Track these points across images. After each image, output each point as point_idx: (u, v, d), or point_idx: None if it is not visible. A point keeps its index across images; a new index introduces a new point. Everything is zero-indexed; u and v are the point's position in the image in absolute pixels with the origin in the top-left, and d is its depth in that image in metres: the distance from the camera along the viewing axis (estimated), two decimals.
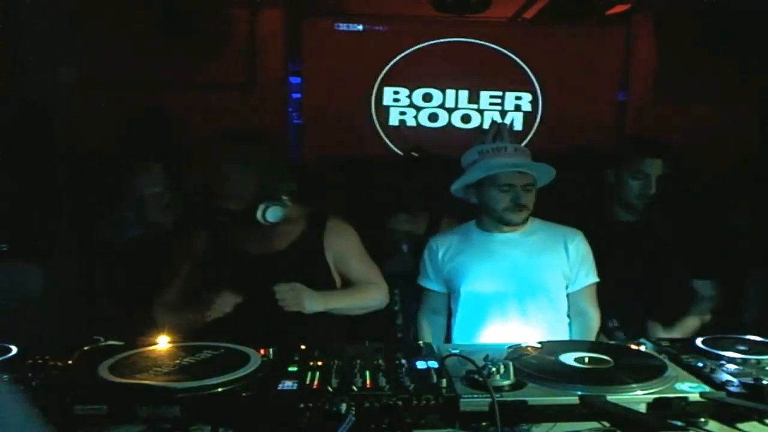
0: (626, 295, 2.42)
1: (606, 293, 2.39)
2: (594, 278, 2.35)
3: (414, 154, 3.64)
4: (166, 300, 2.19)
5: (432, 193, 3.06)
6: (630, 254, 2.49)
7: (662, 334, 2.37)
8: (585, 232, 2.44)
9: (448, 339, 2.41)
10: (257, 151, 2.15)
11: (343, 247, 2.27)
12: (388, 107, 5.81)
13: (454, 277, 2.36)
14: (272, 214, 2.07)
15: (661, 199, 2.50)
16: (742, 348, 1.71)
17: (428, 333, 2.43)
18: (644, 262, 2.49)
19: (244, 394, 1.42)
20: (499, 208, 2.27)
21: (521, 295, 2.28)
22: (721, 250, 2.62)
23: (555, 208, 2.42)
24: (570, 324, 2.36)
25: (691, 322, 2.48)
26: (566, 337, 2.30)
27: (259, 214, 2.05)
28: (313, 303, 2.08)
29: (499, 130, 2.32)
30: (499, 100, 5.84)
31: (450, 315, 2.42)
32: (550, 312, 2.31)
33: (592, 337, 2.30)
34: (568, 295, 2.34)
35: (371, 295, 2.28)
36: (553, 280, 2.30)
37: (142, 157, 2.51)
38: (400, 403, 1.38)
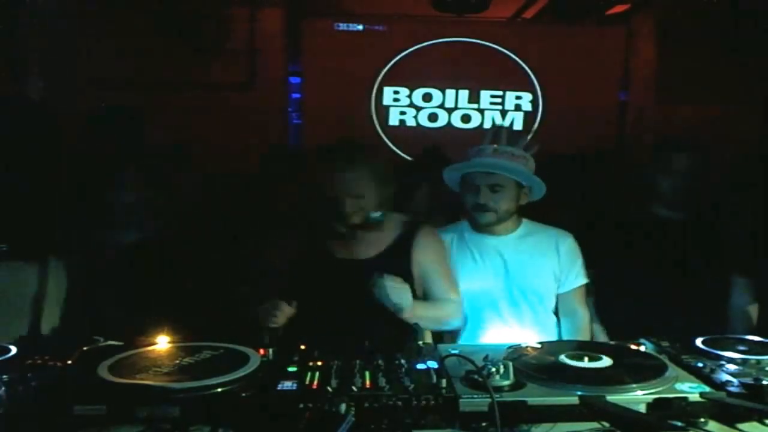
0: (664, 291, 2.42)
1: (643, 290, 2.42)
2: (583, 279, 2.37)
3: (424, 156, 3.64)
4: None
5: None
6: (668, 251, 2.49)
7: None
8: (624, 229, 2.54)
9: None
10: (379, 160, 2.15)
11: (431, 258, 2.20)
12: (388, 107, 5.82)
13: None
14: (375, 219, 2.08)
15: (694, 195, 2.52)
16: (742, 348, 1.71)
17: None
18: (683, 259, 2.48)
19: (244, 394, 1.42)
20: (469, 208, 2.30)
21: (514, 296, 2.31)
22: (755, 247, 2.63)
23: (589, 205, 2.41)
24: (558, 323, 2.38)
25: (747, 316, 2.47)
26: (555, 336, 2.34)
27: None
28: (410, 305, 2.01)
29: (495, 133, 2.34)
30: (499, 100, 5.85)
31: None
32: (541, 312, 2.34)
33: (585, 337, 2.33)
34: (557, 296, 2.37)
35: (450, 315, 2.20)
36: (545, 281, 2.33)
37: (114, 160, 2.48)
38: (400, 403, 1.38)
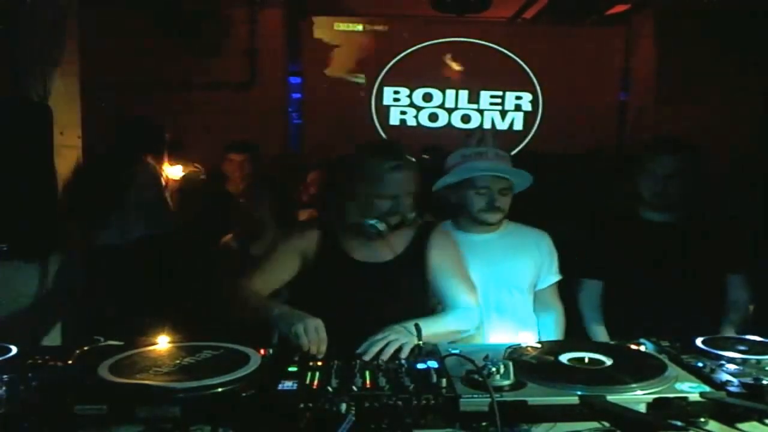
0: (659, 295, 2.42)
1: (637, 294, 2.44)
2: (558, 276, 2.46)
3: (425, 156, 3.64)
4: (252, 289, 2.05)
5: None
6: (661, 254, 2.49)
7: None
8: (615, 232, 2.56)
9: None
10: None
11: (446, 261, 2.15)
12: (388, 107, 5.82)
13: None
14: (410, 219, 2.07)
15: (683, 196, 2.50)
16: (742, 348, 1.70)
17: None
18: (676, 261, 2.48)
19: (244, 394, 1.42)
20: (475, 209, 2.34)
21: (497, 293, 2.35)
22: (749, 244, 2.63)
23: (581, 207, 2.42)
24: (537, 319, 2.44)
25: (732, 321, 2.47)
26: (535, 331, 2.38)
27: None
28: (414, 338, 1.81)
29: (483, 137, 2.43)
30: (499, 100, 5.85)
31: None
32: (522, 308, 2.40)
33: (561, 331, 2.42)
34: (535, 292, 2.45)
35: (461, 325, 2.07)
36: (526, 278, 2.41)
37: (138, 159, 2.50)
38: (400, 403, 1.38)
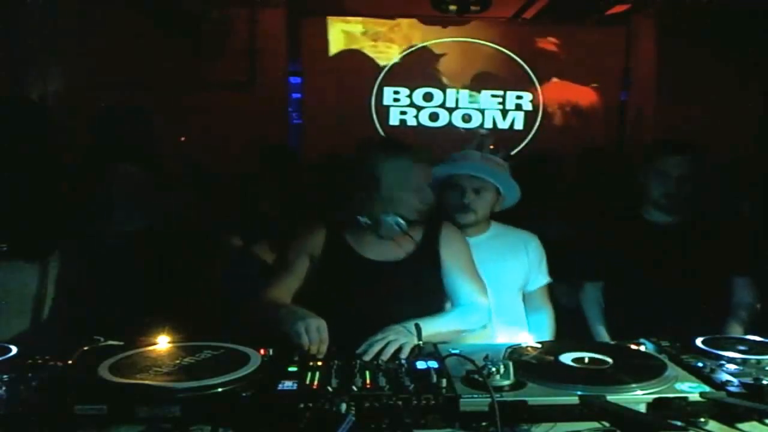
0: (660, 296, 2.42)
1: (638, 294, 2.45)
2: (547, 278, 2.47)
3: None
4: (274, 297, 2.00)
5: None
6: (662, 255, 2.49)
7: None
8: (616, 233, 2.55)
9: None
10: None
11: (457, 258, 2.12)
12: (388, 107, 5.82)
13: None
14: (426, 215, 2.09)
15: (689, 198, 2.50)
16: (742, 348, 1.71)
17: None
18: (677, 262, 2.48)
19: (244, 394, 1.42)
20: (451, 208, 2.35)
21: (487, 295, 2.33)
22: (751, 245, 2.62)
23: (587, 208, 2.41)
24: (527, 320, 2.44)
25: (737, 322, 2.47)
26: (526, 332, 2.35)
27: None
28: (414, 338, 1.81)
29: (481, 141, 2.51)
30: (499, 100, 5.85)
31: None
32: (512, 310, 2.40)
33: (552, 332, 2.42)
34: (524, 294, 2.46)
35: (466, 324, 2.03)
36: (514, 279, 2.41)
37: (117, 159, 2.48)
38: (400, 403, 1.38)
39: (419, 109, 5.83)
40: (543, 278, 2.46)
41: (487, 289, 2.24)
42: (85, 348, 1.69)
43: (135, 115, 3.69)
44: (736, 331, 2.40)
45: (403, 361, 1.62)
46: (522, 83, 5.83)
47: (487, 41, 5.81)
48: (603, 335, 2.52)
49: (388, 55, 5.78)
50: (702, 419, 1.40)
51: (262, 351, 1.64)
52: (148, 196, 2.48)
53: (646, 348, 1.78)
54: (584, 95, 5.78)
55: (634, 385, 1.46)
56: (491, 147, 2.51)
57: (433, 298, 2.08)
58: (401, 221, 2.02)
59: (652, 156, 2.61)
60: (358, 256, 2.07)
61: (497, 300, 2.32)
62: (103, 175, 2.48)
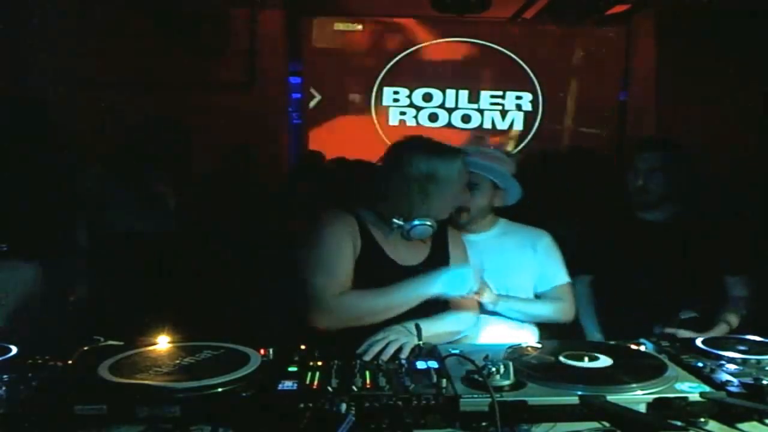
0: (654, 294, 2.42)
1: (633, 293, 2.46)
2: (565, 278, 2.37)
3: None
4: (346, 292, 1.96)
5: None
6: (655, 253, 2.49)
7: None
8: (608, 230, 2.56)
9: None
10: None
11: (461, 261, 2.14)
12: (388, 107, 5.82)
13: None
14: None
15: (663, 193, 2.50)
16: (742, 348, 1.71)
17: None
18: (670, 260, 2.48)
19: (244, 394, 1.42)
20: None
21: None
22: (749, 246, 2.62)
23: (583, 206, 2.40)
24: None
25: (731, 321, 2.46)
26: (533, 330, 2.33)
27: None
28: (413, 333, 1.84)
29: (477, 143, 2.43)
30: (499, 100, 5.84)
31: None
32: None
33: (559, 318, 2.33)
34: (537, 294, 2.37)
35: (461, 325, 2.07)
36: (522, 279, 2.35)
37: (149, 167, 2.49)
38: (400, 403, 1.38)
39: (419, 109, 5.82)
40: (558, 278, 2.36)
41: (492, 286, 2.24)
42: (85, 348, 1.69)
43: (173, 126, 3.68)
44: (723, 328, 2.39)
45: (403, 361, 1.62)
46: (521, 83, 5.83)
47: (487, 41, 5.80)
48: (592, 331, 2.50)
49: (388, 55, 5.77)
50: (702, 419, 1.40)
51: (262, 351, 1.64)
52: (171, 199, 2.49)
53: (646, 348, 1.79)
54: (584, 95, 5.77)
55: (634, 385, 1.46)
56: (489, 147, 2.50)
57: (440, 301, 2.07)
58: (434, 222, 2.02)
59: (634, 153, 2.64)
60: (390, 260, 2.04)
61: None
62: (130, 178, 2.47)
